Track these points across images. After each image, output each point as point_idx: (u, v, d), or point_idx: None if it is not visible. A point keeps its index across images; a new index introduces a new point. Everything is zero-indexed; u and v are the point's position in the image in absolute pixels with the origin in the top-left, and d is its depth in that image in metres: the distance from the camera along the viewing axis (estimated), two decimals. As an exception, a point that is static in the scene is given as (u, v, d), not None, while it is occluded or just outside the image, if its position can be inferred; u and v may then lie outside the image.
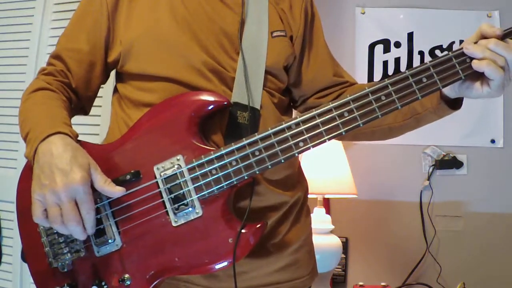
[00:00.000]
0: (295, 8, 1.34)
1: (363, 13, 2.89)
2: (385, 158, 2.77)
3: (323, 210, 2.43)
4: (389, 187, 2.76)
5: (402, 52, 2.84)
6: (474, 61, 1.05)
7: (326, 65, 1.38)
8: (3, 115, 2.84)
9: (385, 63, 2.85)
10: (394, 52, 2.85)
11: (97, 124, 2.60)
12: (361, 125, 1.07)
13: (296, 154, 1.09)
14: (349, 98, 1.08)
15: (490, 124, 2.71)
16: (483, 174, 2.70)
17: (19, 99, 1.22)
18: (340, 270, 2.70)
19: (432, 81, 1.07)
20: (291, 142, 1.08)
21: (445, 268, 2.61)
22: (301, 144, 1.08)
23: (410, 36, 2.83)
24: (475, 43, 1.06)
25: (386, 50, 2.86)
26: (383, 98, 1.07)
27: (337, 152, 2.48)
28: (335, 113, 1.08)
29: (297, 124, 1.08)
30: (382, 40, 2.86)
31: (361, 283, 2.47)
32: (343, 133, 1.08)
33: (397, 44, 2.85)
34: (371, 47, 2.87)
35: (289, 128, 1.08)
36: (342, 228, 2.63)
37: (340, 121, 1.07)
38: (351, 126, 1.08)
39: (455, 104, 1.18)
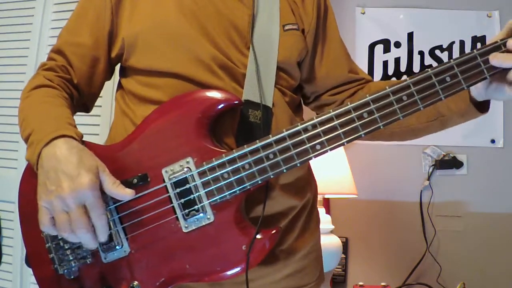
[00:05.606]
0: (307, 1, 1.29)
1: (363, 13, 2.88)
2: (385, 158, 2.76)
3: (323, 210, 2.42)
4: (389, 187, 2.75)
5: (402, 52, 2.83)
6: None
7: (341, 61, 1.33)
8: (3, 115, 2.83)
9: (385, 63, 2.84)
10: (394, 52, 2.84)
11: (97, 124, 2.60)
12: (381, 127, 1.01)
13: (313, 158, 1.03)
14: (369, 98, 1.02)
15: (490, 124, 2.71)
16: (483, 174, 2.70)
17: (19, 99, 1.19)
18: (340, 270, 2.70)
19: (456, 80, 1.01)
20: (308, 145, 1.02)
21: (445, 268, 2.61)
22: (318, 147, 1.02)
23: (410, 36, 2.83)
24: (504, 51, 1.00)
25: (386, 50, 2.85)
26: (404, 98, 1.01)
27: (337, 152, 2.46)
28: (354, 115, 1.02)
29: (314, 126, 1.02)
30: (382, 40, 2.85)
31: (361, 283, 2.46)
32: (362, 136, 1.02)
33: (397, 44, 2.84)
34: (371, 47, 2.86)
35: (306, 130, 1.02)
36: (342, 228, 2.63)
37: (359, 122, 1.01)
38: (371, 128, 1.01)
39: (481, 107, 1.13)
